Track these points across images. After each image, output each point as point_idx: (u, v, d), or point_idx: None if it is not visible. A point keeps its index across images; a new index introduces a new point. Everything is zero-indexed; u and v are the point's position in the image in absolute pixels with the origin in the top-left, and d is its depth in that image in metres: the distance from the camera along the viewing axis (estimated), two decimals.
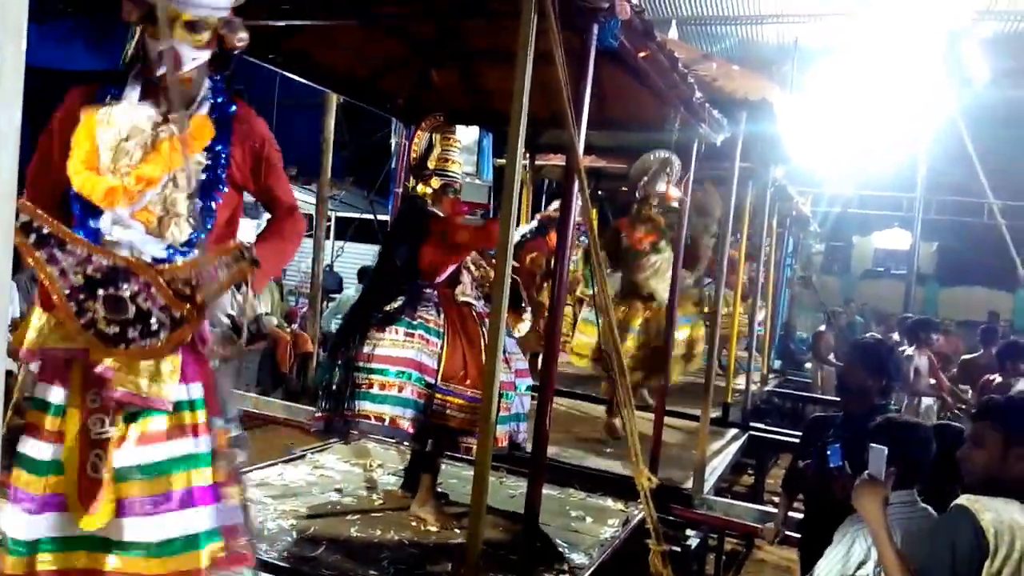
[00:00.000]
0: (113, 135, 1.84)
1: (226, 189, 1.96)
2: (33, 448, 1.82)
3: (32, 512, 1.79)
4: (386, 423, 3.17)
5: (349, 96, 4.85)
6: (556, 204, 4.52)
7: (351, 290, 9.55)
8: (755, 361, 7.60)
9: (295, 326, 8.00)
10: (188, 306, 1.80)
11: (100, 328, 1.78)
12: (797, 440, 3.52)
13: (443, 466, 3.60)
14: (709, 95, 3.85)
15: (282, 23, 3.21)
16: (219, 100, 1.98)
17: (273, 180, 2.10)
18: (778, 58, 9.20)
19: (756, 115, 4.35)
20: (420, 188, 3.50)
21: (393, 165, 8.52)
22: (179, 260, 1.86)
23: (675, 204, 4.87)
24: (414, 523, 3.31)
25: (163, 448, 1.83)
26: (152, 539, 1.80)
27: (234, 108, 2.00)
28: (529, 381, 3.49)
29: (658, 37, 2.99)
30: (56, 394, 1.84)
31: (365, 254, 10.69)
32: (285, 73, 4.11)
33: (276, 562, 2.78)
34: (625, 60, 2.92)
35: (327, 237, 10.77)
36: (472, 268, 3.60)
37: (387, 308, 3.28)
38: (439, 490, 3.51)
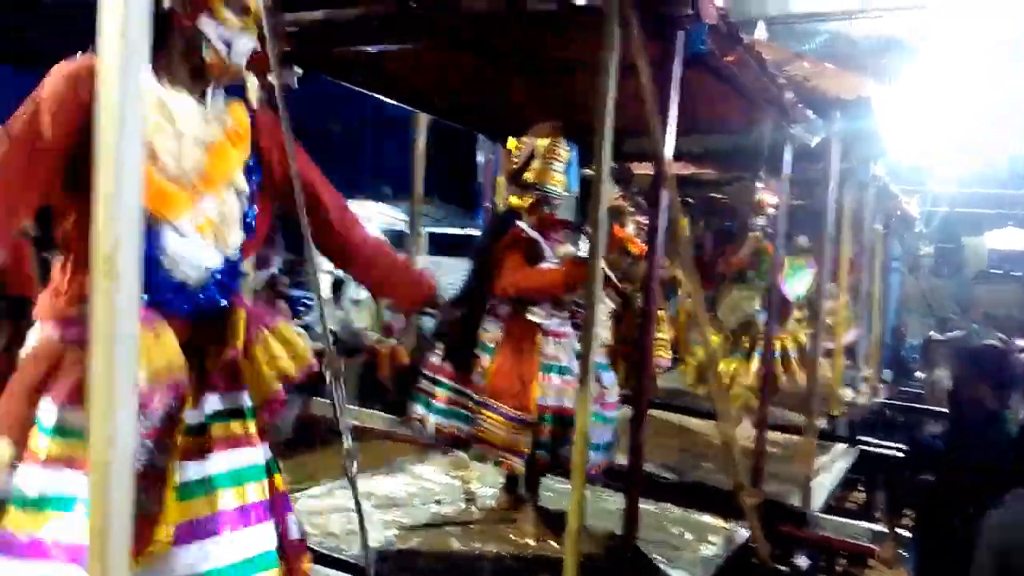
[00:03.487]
0: (173, 135, 1.61)
1: (260, 192, 1.80)
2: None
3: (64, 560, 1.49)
4: (433, 429, 3.26)
5: (436, 115, 4.96)
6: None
7: None
8: (863, 370, 7.26)
9: (393, 340, 8.17)
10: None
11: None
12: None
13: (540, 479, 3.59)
14: (802, 95, 3.73)
15: (372, 48, 3.31)
16: (236, 95, 1.77)
17: (322, 180, 1.96)
18: (874, 52, 8.81)
19: (853, 113, 4.18)
20: (514, 200, 3.41)
21: (481, 180, 8.67)
22: (229, 268, 1.74)
23: (770, 211, 4.70)
24: (513, 536, 3.32)
25: (221, 459, 1.69)
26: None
27: (253, 108, 1.81)
28: (615, 413, 3.35)
29: (745, 39, 2.93)
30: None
31: (458, 269, 10.86)
32: (375, 95, 4.23)
33: (381, 573, 2.84)
34: (712, 65, 2.86)
35: (419, 253, 11.01)
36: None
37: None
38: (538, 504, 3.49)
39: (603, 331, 3.68)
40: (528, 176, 3.37)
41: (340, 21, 2.89)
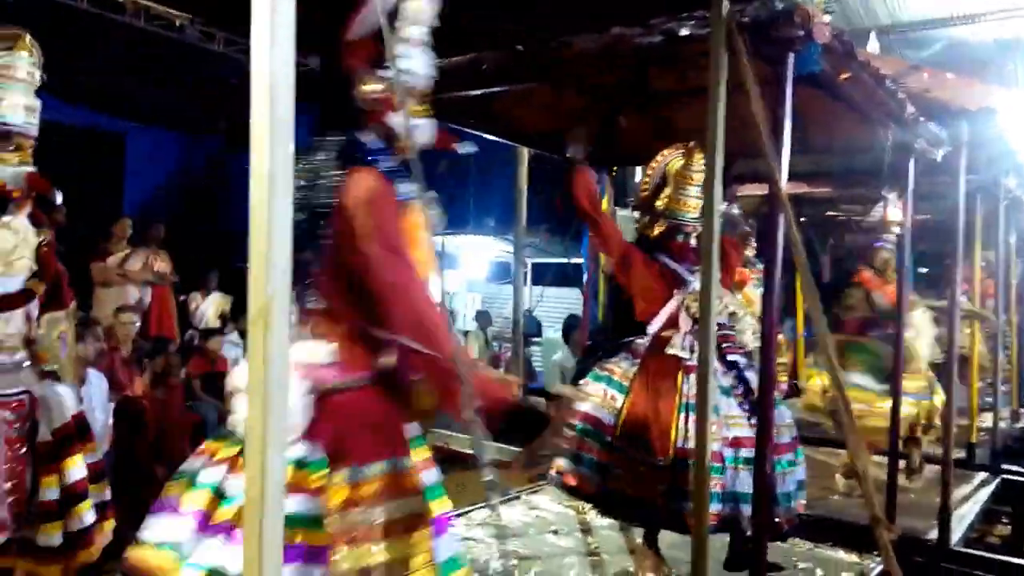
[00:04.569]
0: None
1: None
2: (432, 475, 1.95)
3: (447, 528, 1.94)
4: (557, 475, 3.04)
5: (539, 149, 5.04)
6: None
7: (550, 332, 9.72)
8: (1003, 394, 6.76)
9: (500, 371, 8.28)
10: None
11: None
12: None
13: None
14: (923, 108, 3.57)
15: (479, 91, 3.41)
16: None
17: None
18: (997, 57, 8.30)
19: (979, 123, 3.96)
20: (647, 229, 3.24)
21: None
22: None
23: (896, 231, 4.41)
24: (631, 568, 3.27)
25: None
26: None
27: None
28: (791, 456, 3.06)
29: (860, 55, 2.84)
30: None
31: (563, 299, 10.87)
32: (481, 134, 4.35)
33: None
34: (825, 84, 2.79)
35: (524, 283, 11.13)
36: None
37: (592, 360, 3.15)
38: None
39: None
40: (659, 204, 3.22)
41: (452, 68, 2.99)
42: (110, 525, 2.77)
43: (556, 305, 10.65)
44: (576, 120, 4.53)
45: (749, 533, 2.78)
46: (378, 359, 1.90)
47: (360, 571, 1.77)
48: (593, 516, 4.03)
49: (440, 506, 1.91)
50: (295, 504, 1.72)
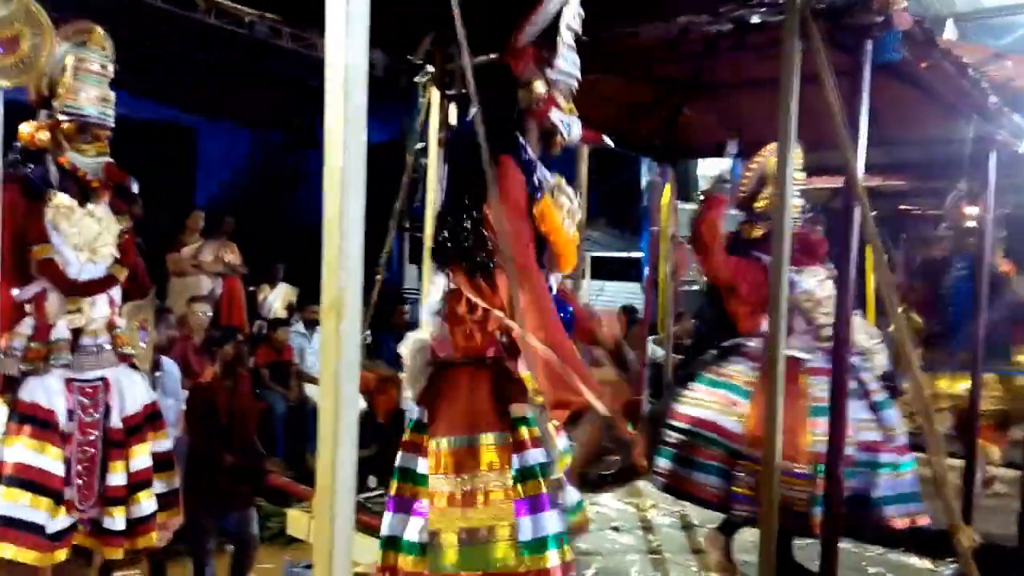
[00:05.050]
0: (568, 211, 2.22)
1: None
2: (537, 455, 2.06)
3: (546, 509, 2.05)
4: (681, 487, 2.95)
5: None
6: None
7: None
8: None
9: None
10: None
11: None
12: None
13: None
14: (1006, 98, 3.41)
15: None
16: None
17: None
18: None
19: None
20: (747, 230, 3.14)
21: (645, 203, 8.59)
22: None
23: (971, 224, 4.24)
24: (694, 568, 3.23)
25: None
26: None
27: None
28: (907, 458, 2.95)
29: (941, 43, 2.72)
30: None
31: (621, 292, 10.79)
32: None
33: None
34: (903, 72, 2.69)
35: (584, 277, 11.07)
36: (819, 312, 3.00)
37: (696, 364, 3.03)
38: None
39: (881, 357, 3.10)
40: (760, 204, 3.12)
41: None
42: (175, 514, 2.84)
43: (616, 299, 10.57)
44: (641, 112, 4.48)
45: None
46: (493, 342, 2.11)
47: (442, 532, 1.99)
48: (655, 514, 3.99)
49: (535, 487, 2.02)
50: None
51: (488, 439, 2.03)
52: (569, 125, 2.23)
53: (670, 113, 4.35)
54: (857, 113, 2.38)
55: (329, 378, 1.07)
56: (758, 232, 3.07)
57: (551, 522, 2.02)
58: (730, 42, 3.03)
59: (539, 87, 2.18)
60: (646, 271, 5.87)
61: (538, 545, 1.98)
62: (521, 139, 2.19)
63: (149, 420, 2.79)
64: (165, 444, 2.85)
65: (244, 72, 8.08)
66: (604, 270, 12.41)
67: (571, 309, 2.36)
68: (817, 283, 3.06)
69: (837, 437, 2.41)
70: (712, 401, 2.92)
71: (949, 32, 6.13)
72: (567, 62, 2.22)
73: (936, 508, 2.59)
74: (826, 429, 2.70)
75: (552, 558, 2.00)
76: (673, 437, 2.99)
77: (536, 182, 2.16)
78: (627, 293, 10.25)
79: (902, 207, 6.43)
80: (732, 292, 3.04)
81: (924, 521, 2.91)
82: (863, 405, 2.92)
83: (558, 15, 2.18)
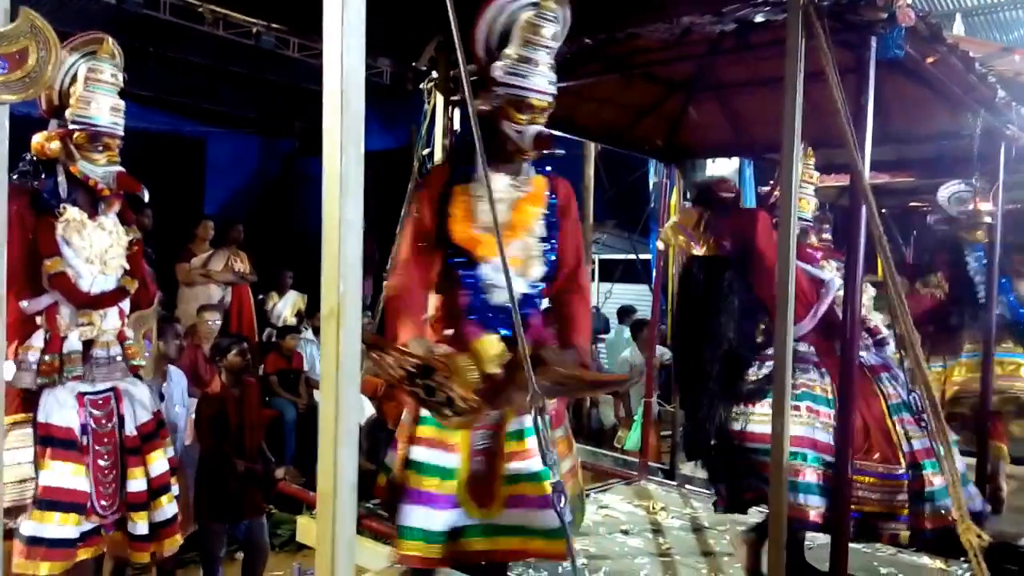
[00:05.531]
0: (487, 200, 2.15)
1: (559, 233, 2.39)
2: (436, 458, 2.26)
3: (437, 508, 2.24)
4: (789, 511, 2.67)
5: (608, 143, 4.98)
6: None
7: (614, 331, 9.66)
8: None
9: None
10: (476, 397, 2.01)
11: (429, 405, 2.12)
12: None
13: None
14: (1015, 92, 3.38)
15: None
16: (540, 166, 2.44)
17: (570, 235, 2.47)
18: None
19: None
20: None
21: (653, 205, 8.55)
22: (538, 291, 2.36)
23: (988, 220, 4.17)
24: (704, 570, 3.21)
25: (537, 461, 2.15)
26: (535, 525, 2.20)
27: (549, 168, 2.46)
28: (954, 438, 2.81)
29: (948, 38, 2.70)
30: None
31: (628, 294, 10.76)
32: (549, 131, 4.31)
33: None
34: (909, 68, 2.67)
35: (592, 279, 11.08)
36: (865, 313, 2.92)
37: (751, 377, 2.88)
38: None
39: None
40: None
41: None
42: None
43: (624, 301, 10.55)
44: (646, 113, 4.47)
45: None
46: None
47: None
48: (664, 516, 3.96)
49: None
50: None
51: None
52: (521, 133, 2.30)
53: (674, 113, 4.34)
54: (862, 110, 2.37)
55: (329, 384, 1.07)
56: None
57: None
58: (734, 41, 3.03)
59: (478, 103, 2.23)
60: (654, 273, 5.85)
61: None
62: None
63: (158, 426, 2.83)
64: (172, 451, 2.89)
65: (252, 82, 8.13)
66: (613, 272, 12.37)
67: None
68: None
69: (846, 436, 2.39)
70: (796, 415, 2.74)
71: (957, 27, 6.10)
72: (517, 76, 2.27)
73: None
74: (910, 425, 2.75)
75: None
76: (756, 459, 2.80)
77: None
78: (635, 295, 10.22)
79: (911, 204, 6.40)
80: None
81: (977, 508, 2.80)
82: (917, 398, 2.82)
83: (507, 31, 2.30)
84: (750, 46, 3.06)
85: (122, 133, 2.70)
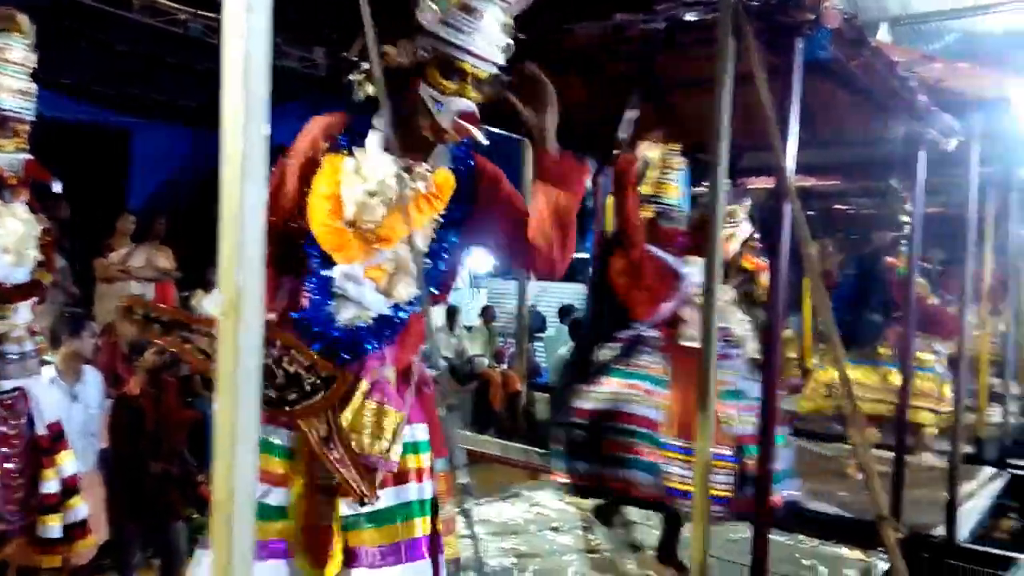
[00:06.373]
0: (361, 190, 1.75)
1: (456, 248, 1.86)
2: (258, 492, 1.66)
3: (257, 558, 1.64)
4: (607, 485, 2.90)
5: None
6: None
7: (553, 329, 9.69)
8: (1011, 389, 6.67)
9: (504, 365, 8.23)
10: (337, 366, 1.71)
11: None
12: None
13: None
14: (936, 98, 3.49)
15: None
16: (460, 152, 1.88)
17: (511, 205, 1.94)
18: (1009, 49, 8.18)
19: (993, 113, 3.88)
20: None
21: (591, 204, 8.60)
22: (403, 317, 1.78)
23: (906, 221, 4.33)
24: (631, 566, 3.22)
25: (390, 493, 1.72)
26: None
27: (473, 162, 1.90)
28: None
29: (872, 42, 2.77)
30: (280, 435, 1.73)
31: (566, 292, 10.81)
32: (484, 126, 4.27)
33: None
34: (835, 71, 2.72)
35: (529, 278, 11.09)
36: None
37: (600, 357, 3.00)
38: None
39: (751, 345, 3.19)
40: (644, 189, 3.23)
41: None
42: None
43: (560, 300, 10.59)
44: (583, 113, 4.47)
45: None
46: None
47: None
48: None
49: None
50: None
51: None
52: (440, 106, 1.74)
53: (611, 113, 4.35)
54: (788, 112, 2.40)
55: (227, 386, 1.00)
56: (645, 214, 3.14)
57: None
58: (666, 41, 3.04)
59: (394, 53, 1.75)
60: (590, 271, 5.87)
61: None
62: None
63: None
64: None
65: (181, 71, 7.85)
66: None
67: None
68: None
69: (769, 425, 2.42)
70: (631, 393, 2.90)
71: (883, 35, 6.31)
72: (450, 28, 1.73)
73: (867, 500, 2.62)
74: (739, 412, 2.89)
75: None
76: (582, 435, 2.92)
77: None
78: (571, 294, 10.26)
79: (836, 206, 6.58)
80: (637, 281, 3.04)
81: (795, 495, 2.98)
82: (756, 387, 2.93)
83: None
84: (682, 46, 3.08)
85: (32, 118, 2.55)
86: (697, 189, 5.98)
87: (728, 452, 2.82)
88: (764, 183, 5.29)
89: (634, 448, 2.83)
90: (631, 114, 4.24)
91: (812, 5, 2.27)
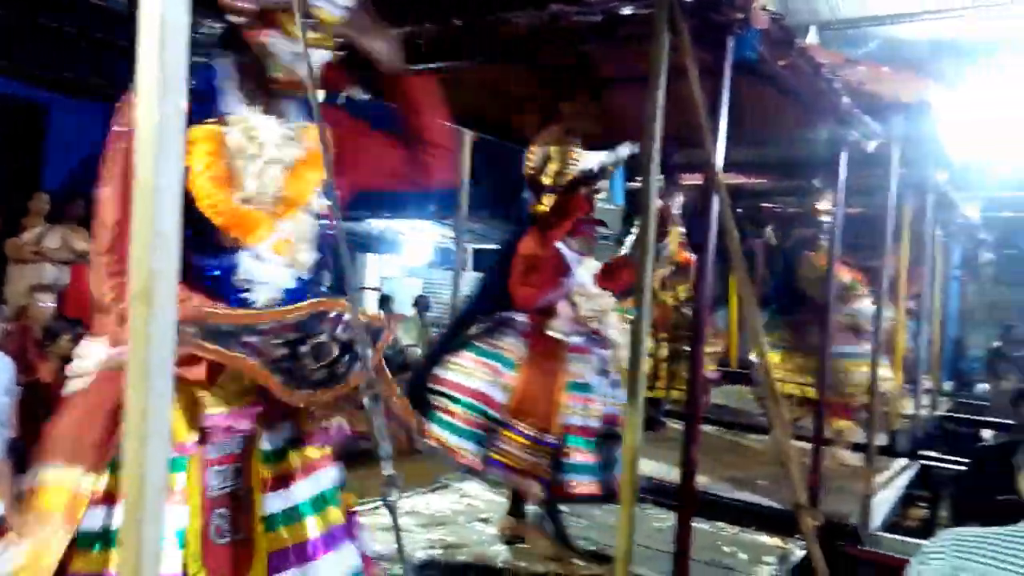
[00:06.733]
0: (256, 158, 1.59)
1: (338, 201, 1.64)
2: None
3: None
4: (445, 451, 3.00)
5: (482, 132, 4.94)
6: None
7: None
8: (923, 382, 6.99)
9: None
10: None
11: (313, 380, 1.56)
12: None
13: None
14: (859, 100, 3.61)
15: (418, 68, 3.29)
16: (307, 104, 1.61)
17: (374, 140, 1.84)
18: (930, 56, 8.54)
19: (912, 117, 4.03)
20: (537, 206, 3.31)
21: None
22: (301, 287, 1.67)
23: (824, 219, 4.52)
24: (558, 556, 3.25)
25: (279, 497, 1.62)
26: None
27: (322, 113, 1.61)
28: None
29: (799, 43, 2.84)
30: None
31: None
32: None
33: None
34: (764, 71, 2.78)
35: (464, 268, 11.05)
36: (587, 304, 3.23)
37: (467, 333, 3.13)
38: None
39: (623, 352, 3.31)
40: (546, 180, 3.31)
41: None
42: None
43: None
44: (519, 104, 4.46)
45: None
46: None
47: None
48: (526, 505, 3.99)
49: None
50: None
51: None
52: (298, 58, 1.53)
53: (547, 107, 4.35)
54: (718, 109, 2.44)
55: (138, 377, 0.95)
56: (547, 202, 3.25)
57: None
58: (602, 34, 3.05)
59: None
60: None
61: None
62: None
63: None
64: None
65: (103, 46, 7.51)
66: (486, 262, 12.35)
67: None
68: (592, 277, 3.34)
69: (691, 434, 2.46)
70: (480, 371, 3.04)
71: (812, 39, 6.48)
72: None
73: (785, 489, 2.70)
74: (579, 403, 3.05)
75: None
76: (439, 402, 3.05)
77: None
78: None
79: (764, 205, 6.75)
80: (532, 269, 3.13)
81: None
82: (607, 383, 3.20)
83: None
84: (618, 39, 3.10)
85: None
86: (631, 184, 6.08)
87: (552, 439, 2.99)
88: (692, 180, 5.39)
89: (457, 414, 2.99)
90: (567, 107, 4.27)
91: (742, 5, 2.31)
